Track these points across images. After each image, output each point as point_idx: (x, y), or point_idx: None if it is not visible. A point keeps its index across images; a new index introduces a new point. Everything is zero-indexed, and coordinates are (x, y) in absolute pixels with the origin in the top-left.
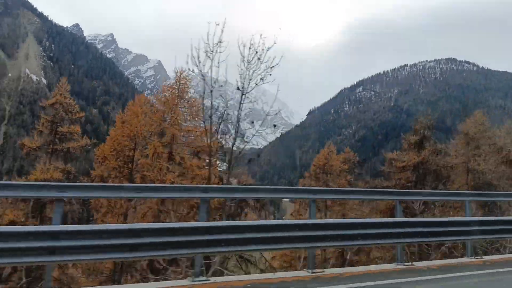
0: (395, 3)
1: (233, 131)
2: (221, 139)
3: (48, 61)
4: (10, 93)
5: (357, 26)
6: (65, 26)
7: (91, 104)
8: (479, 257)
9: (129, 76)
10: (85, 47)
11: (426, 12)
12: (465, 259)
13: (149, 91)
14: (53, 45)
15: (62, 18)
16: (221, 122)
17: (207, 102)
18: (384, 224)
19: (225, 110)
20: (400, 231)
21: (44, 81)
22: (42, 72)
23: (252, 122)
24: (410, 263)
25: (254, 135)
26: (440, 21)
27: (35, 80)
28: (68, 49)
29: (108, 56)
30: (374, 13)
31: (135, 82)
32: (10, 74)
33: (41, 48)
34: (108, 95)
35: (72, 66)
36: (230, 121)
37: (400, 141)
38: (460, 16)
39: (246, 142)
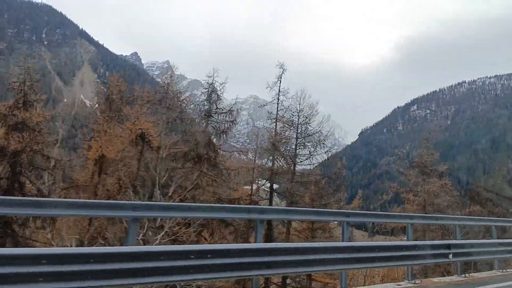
0: (445, 18)
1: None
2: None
3: (102, 87)
4: (64, 117)
5: (408, 44)
6: (124, 55)
7: None
8: None
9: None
10: (137, 73)
11: (481, 26)
12: None
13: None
14: (107, 72)
15: (122, 47)
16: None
17: (259, 124)
18: None
19: None
20: None
21: (97, 105)
22: (95, 98)
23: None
24: None
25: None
26: (498, 34)
27: (88, 105)
28: (121, 75)
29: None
30: (425, 30)
31: (190, 107)
32: (65, 100)
33: (96, 75)
34: None
35: None
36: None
37: (457, 160)
38: None
39: None
